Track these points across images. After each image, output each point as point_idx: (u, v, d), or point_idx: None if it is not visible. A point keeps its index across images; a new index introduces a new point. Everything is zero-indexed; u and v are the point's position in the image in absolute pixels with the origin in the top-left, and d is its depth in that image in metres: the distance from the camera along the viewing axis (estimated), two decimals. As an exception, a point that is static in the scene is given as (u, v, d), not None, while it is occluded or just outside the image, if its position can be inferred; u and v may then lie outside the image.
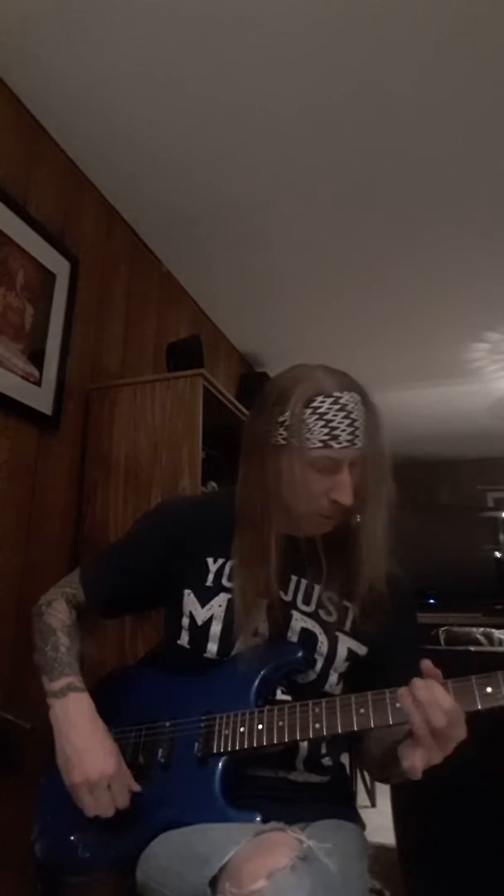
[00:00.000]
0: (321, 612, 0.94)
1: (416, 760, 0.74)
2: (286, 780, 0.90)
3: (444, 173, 1.95)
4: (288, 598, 0.95)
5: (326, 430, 0.87)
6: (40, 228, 1.73)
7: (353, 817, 0.95)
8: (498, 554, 4.10)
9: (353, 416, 0.88)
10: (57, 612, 0.99)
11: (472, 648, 1.78)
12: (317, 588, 0.96)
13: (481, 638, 1.85)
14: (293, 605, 0.95)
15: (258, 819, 0.78)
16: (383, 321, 2.96)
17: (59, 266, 1.81)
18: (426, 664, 0.77)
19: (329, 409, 0.88)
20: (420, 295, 2.71)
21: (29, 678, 1.56)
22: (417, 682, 0.75)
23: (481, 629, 1.90)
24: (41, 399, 1.70)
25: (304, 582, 0.96)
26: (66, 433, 1.80)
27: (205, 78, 1.62)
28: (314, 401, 0.88)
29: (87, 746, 0.84)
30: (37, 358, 1.70)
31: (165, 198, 2.10)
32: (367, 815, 0.99)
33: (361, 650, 0.95)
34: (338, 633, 0.94)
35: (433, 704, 0.73)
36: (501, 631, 1.89)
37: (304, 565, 0.95)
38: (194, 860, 0.73)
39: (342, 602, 0.95)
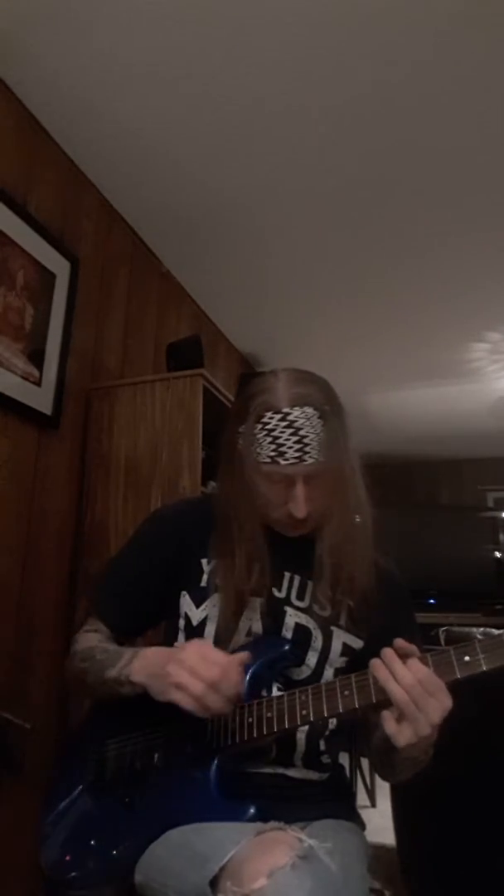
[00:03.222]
0: (315, 607, 0.95)
1: (402, 731, 0.75)
2: (284, 776, 0.90)
3: (444, 173, 1.95)
4: (281, 594, 0.96)
5: (274, 447, 0.87)
6: (40, 228, 1.73)
7: (354, 817, 0.96)
8: (498, 554, 4.11)
9: (301, 432, 0.86)
10: (86, 640, 0.98)
11: (472, 648, 1.78)
12: (310, 583, 0.96)
13: (481, 638, 1.85)
14: (287, 601, 0.95)
15: (252, 811, 0.79)
16: (383, 321, 2.96)
17: (59, 266, 1.81)
18: (398, 642, 0.78)
19: (276, 425, 0.87)
20: (420, 295, 2.71)
21: (29, 678, 1.56)
22: (389, 653, 0.77)
23: (481, 629, 1.90)
24: (41, 399, 1.70)
25: (297, 578, 0.97)
26: (66, 433, 1.80)
27: (205, 78, 1.62)
28: (264, 416, 0.88)
29: (171, 650, 0.85)
30: (37, 358, 1.70)
31: (165, 198, 2.10)
32: (367, 815, 0.99)
33: (357, 644, 0.96)
34: (333, 628, 0.95)
35: (405, 672, 0.75)
36: (501, 631, 1.89)
37: (297, 561, 0.95)
38: (194, 860, 0.73)
39: (336, 596, 0.95)
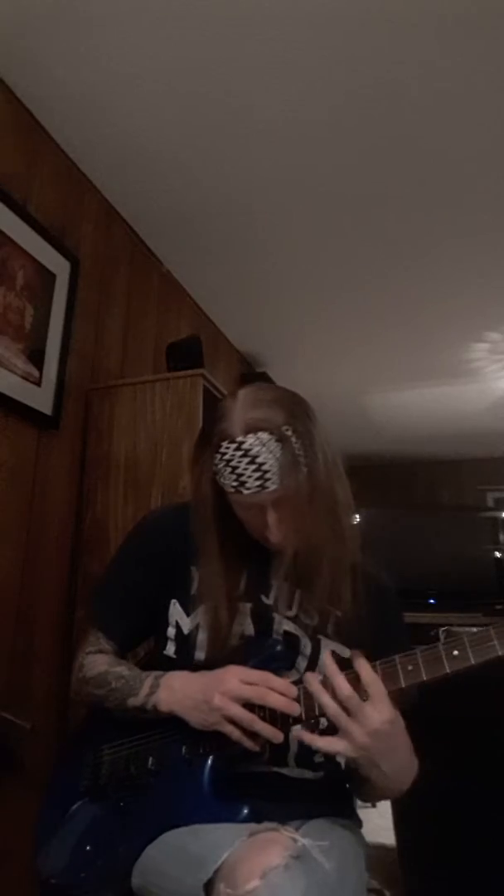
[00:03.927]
0: (303, 616, 0.95)
1: (333, 742, 0.76)
2: (279, 774, 0.90)
3: (444, 173, 1.95)
4: (269, 601, 0.96)
5: (234, 477, 0.85)
6: (40, 228, 1.73)
7: (351, 815, 0.96)
8: (498, 554, 4.10)
9: (259, 460, 0.83)
10: (93, 663, 0.97)
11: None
12: (298, 592, 0.96)
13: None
14: (275, 608, 0.95)
15: (245, 811, 0.79)
16: (383, 321, 2.96)
17: (59, 266, 1.81)
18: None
19: (233, 455, 0.85)
20: (420, 295, 2.71)
21: (29, 678, 1.56)
22: (330, 666, 0.79)
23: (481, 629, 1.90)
24: (41, 399, 1.70)
25: (285, 586, 0.96)
26: (66, 433, 1.80)
27: (205, 78, 1.62)
28: (221, 447, 0.86)
29: (206, 679, 0.85)
30: (37, 358, 1.70)
31: (165, 198, 2.11)
32: (367, 815, 0.99)
33: (345, 653, 0.94)
34: (320, 637, 0.94)
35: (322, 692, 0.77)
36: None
37: (284, 570, 0.94)
38: (189, 863, 0.73)
39: (324, 605, 0.94)
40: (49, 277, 1.77)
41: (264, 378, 3.02)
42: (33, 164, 1.77)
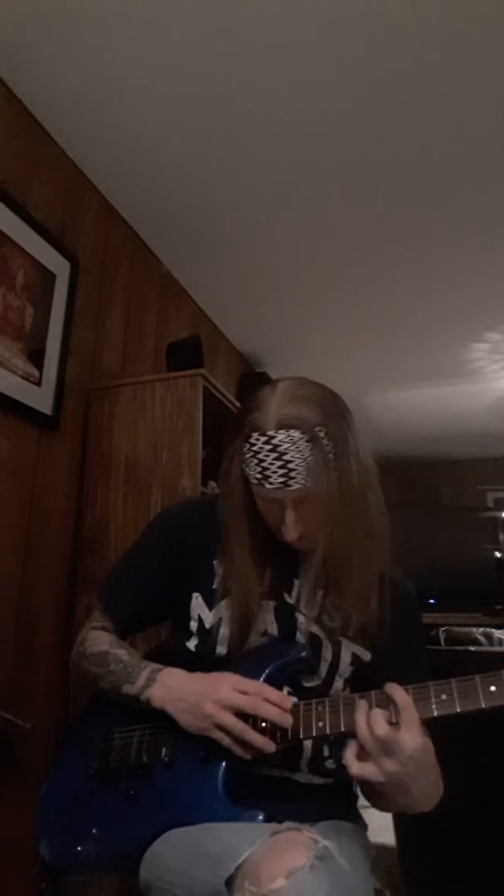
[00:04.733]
0: (325, 618, 0.94)
1: (365, 768, 0.76)
2: (290, 779, 0.90)
3: (443, 173, 1.95)
4: (292, 600, 0.96)
5: (259, 470, 0.85)
6: (40, 228, 1.73)
7: (356, 818, 0.96)
8: (498, 554, 4.10)
9: (286, 457, 0.83)
10: (97, 639, 0.98)
11: (472, 648, 1.78)
12: (320, 593, 0.95)
13: (481, 638, 1.85)
14: (297, 608, 0.95)
15: (261, 818, 0.79)
16: (383, 321, 2.96)
17: (59, 266, 1.81)
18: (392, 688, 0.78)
19: (261, 448, 0.85)
20: (420, 295, 2.71)
21: (29, 678, 1.56)
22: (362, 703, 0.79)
23: (481, 629, 1.90)
24: (41, 399, 1.70)
25: (307, 586, 0.96)
26: (66, 433, 1.80)
27: (205, 79, 1.62)
28: (251, 437, 0.86)
29: (201, 685, 0.86)
30: (37, 358, 1.70)
31: (165, 198, 2.11)
32: (367, 815, 0.99)
33: (366, 656, 0.94)
34: (341, 639, 0.94)
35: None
36: (501, 631, 1.89)
37: (307, 570, 0.94)
38: (205, 860, 0.73)
39: (345, 608, 0.94)
40: (49, 277, 1.77)
41: (264, 378, 3.02)
42: (33, 164, 1.77)
